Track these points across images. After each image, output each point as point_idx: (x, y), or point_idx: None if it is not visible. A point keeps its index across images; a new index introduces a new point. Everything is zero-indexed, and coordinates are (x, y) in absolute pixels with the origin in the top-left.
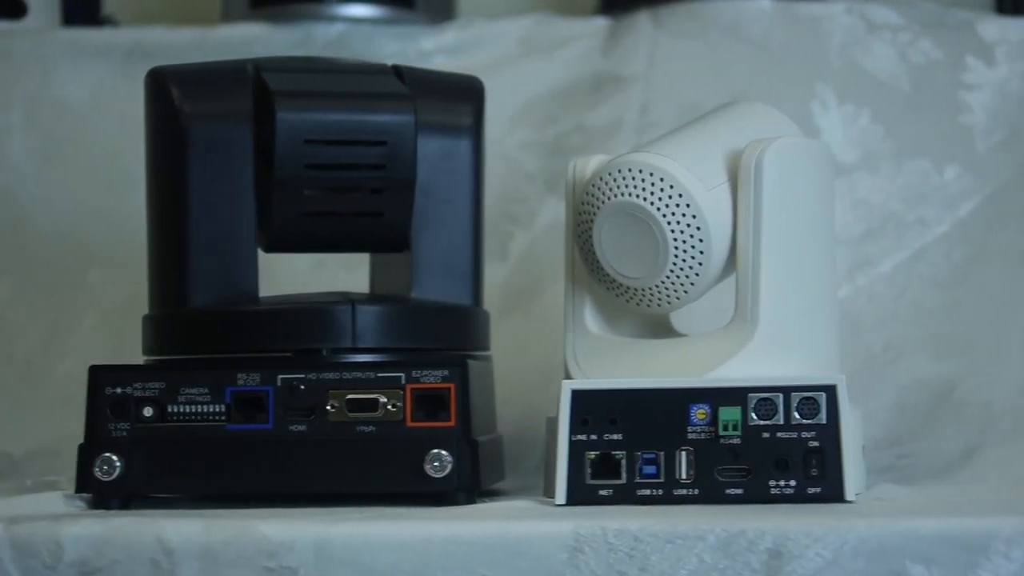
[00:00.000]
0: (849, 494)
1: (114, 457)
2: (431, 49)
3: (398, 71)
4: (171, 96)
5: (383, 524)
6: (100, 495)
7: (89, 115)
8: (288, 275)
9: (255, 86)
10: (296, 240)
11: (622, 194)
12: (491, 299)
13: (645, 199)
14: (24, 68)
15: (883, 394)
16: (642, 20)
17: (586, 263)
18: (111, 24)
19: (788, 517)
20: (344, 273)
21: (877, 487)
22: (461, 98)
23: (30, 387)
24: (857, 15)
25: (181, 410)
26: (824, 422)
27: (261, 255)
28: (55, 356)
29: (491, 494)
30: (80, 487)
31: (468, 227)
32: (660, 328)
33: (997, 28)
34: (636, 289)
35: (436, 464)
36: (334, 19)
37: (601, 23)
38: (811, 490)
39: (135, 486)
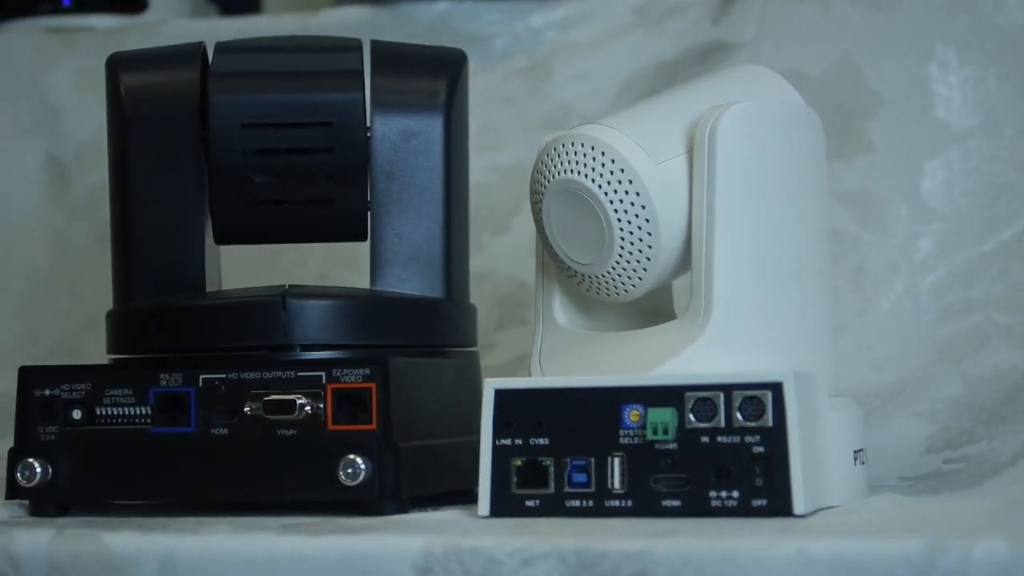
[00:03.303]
0: (798, 507)
1: (35, 463)
2: (541, 25)
3: (372, 47)
4: (119, 82)
5: (231, 539)
6: (31, 502)
7: None
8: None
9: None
10: (243, 231)
11: (564, 171)
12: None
13: (586, 176)
14: None
15: (952, 389)
16: None
17: (545, 249)
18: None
19: (663, 537)
20: None
21: (875, 498)
22: (432, 73)
23: None
24: None
25: (107, 412)
26: (770, 425)
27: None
28: None
29: (459, 501)
30: (7, 493)
31: (438, 212)
32: (651, 315)
33: None
34: (590, 276)
35: (350, 471)
36: None
37: None
38: (756, 502)
39: (60, 492)
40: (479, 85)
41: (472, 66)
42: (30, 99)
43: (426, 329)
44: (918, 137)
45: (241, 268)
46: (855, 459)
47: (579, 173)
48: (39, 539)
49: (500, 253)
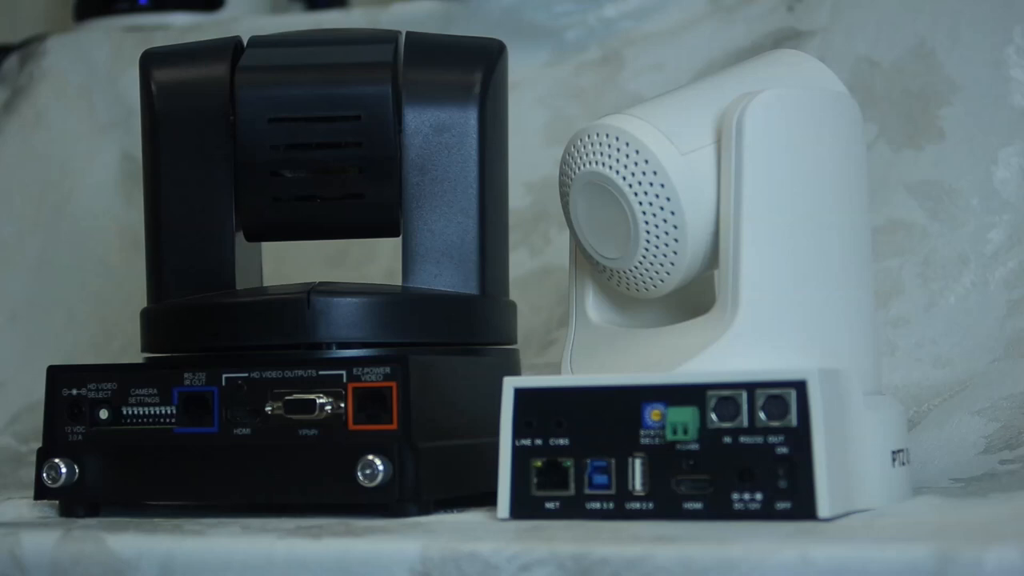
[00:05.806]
0: (823, 510)
1: (60, 463)
2: (614, 16)
3: (406, 38)
4: (150, 78)
5: (231, 542)
6: (61, 503)
7: None
8: None
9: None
10: (272, 227)
11: (589, 163)
12: None
13: (610, 167)
14: None
15: (1017, 386)
16: None
17: (577, 243)
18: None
19: (664, 542)
20: None
21: (913, 501)
22: (466, 64)
23: None
24: None
25: (133, 412)
26: (794, 425)
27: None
28: None
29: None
30: (36, 494)
31: (472, 207)
32: (693, 310)
33: None
34: (619, 272)
35: (368, 472)
36: None
37: None
38: (780, 505)
39: (86, 493)
40: (550, 77)
41: (544, 58)
42: (107, 98)
43: (458, 326)
44: (992, 124)
45: (307, 263)
46: (894, 460)
47: (603, 165)
48: (45, 541)
49: (566, 249)
